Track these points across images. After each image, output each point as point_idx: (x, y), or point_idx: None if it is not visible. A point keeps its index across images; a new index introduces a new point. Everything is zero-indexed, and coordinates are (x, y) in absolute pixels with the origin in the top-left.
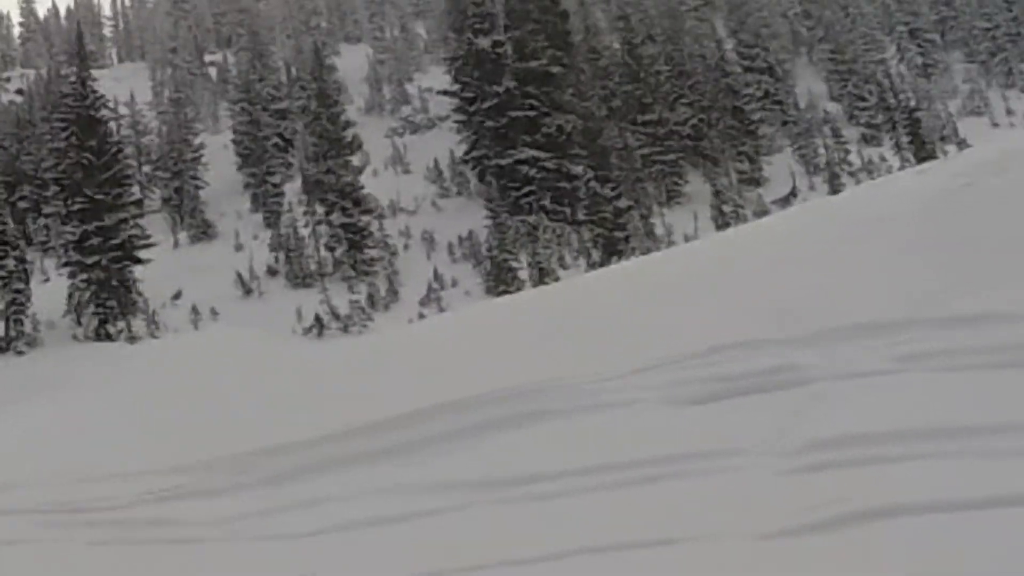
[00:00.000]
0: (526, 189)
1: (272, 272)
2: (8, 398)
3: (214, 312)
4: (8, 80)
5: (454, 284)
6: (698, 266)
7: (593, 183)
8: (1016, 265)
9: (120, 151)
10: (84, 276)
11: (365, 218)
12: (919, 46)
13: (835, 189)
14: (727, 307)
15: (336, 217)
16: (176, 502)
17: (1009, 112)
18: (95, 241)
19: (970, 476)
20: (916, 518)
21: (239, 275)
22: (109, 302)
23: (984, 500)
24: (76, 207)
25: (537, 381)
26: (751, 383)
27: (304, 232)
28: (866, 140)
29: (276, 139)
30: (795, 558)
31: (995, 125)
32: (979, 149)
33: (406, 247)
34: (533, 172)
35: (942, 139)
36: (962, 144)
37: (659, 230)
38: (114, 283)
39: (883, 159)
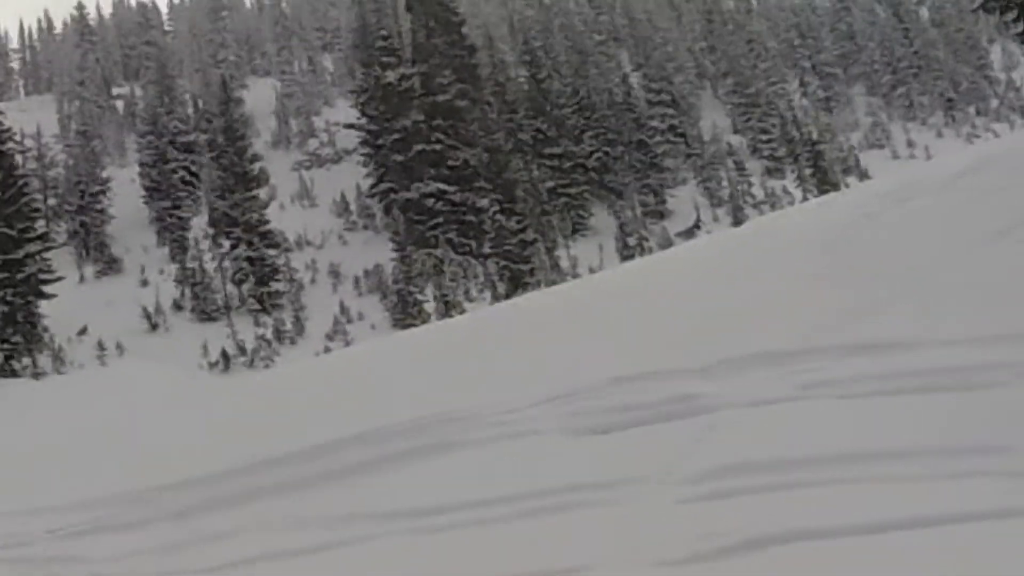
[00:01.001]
0: (432, 222)
1: (178, 307)
2: None
3: (120, 347)
4: None
5: (360, 317)
6: (602, 298)
7: (499, 216)
8: (915, 293)
9: (26, 184)
10: None
11: (271, 252)
12: (821, 79)
13: (738, 221)
14: (630, 338)
15: (242, 251)
16: (81, 538)
17: (910, 144)
18: (0, 275)
19: (869, 502)
20: (815, 543)
21: (145, 310)
22: (14, 337)
23: (883, 524)
24: None
25: (441, 413)
26: (652, 413)
27: (210, 266)
28: (769, 172)
29: (183, 173)
30: None
31: (896, 157)
32: (880, 180)
33: (312, 281)
34: (439, 205)
35: (844, 171)
36: (864, 176)
37: (564, 262)
38: (19, 318)
39: (786, 191)
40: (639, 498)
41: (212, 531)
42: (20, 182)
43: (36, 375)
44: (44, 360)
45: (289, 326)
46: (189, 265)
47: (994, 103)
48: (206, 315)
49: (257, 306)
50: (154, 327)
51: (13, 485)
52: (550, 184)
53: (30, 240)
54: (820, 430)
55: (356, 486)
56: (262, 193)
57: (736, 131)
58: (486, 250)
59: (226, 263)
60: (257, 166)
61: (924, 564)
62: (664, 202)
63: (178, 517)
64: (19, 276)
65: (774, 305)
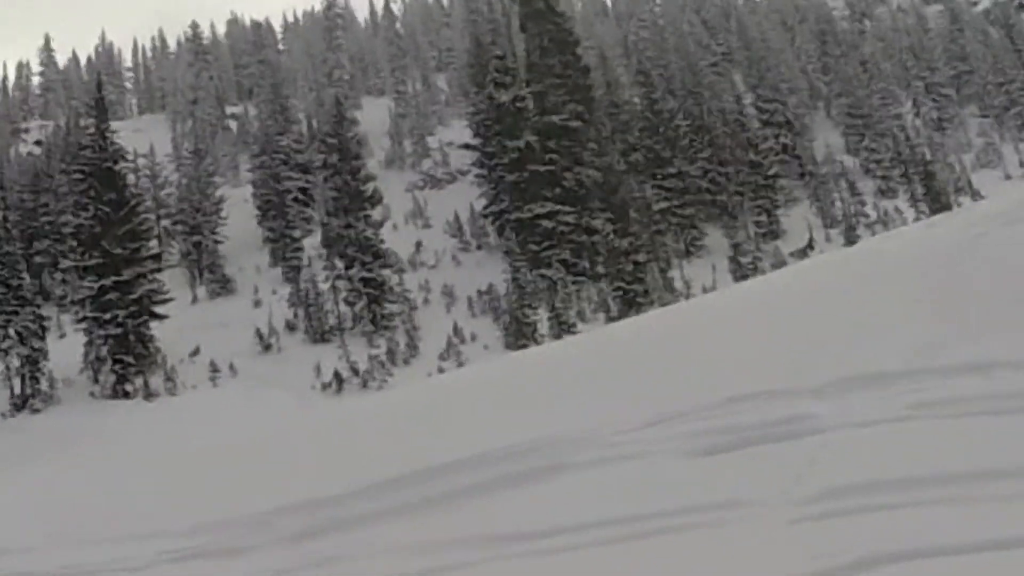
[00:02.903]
0: (545, 243)
1: (291, 327)
2: (23, 457)
3: (232, 368)
4: (27, 131)
5: (473, 338)
6: (715, 318)
7: (612, 237)
8: (1021, 314)
9: (138, 204)
10: (101, 332)
11: (385, 272)
12: (934, 100)
13: (851, 241)
14: (741, 358)
15: (356, 271)
16: (193, 562)
17: (1022, 164)
18: (112, 296)
19: (979, 521)
20: (927, 562)
21: (258, 331)
22: (127, 358)
23: (992, 543)
24: (93, 261)
25: (555, 434)
26: (765, 433)
27: (323, 287)
28: (882, 193)
29: (296, 193)
30: None
31: (1008, 177)
32: (992, 201)
33: (426, 301)
34: (552, 226)
35: (956, 191)
36: (976, 196)
37: (678, 283)
38: (131, 339)
39: (898, 211)
40: (751, 520)
41: (325, 555)
42: (133, 202)
43: (148, 396)
44: (156, 381)
45: (402, 347)
46: (302, 285)
47: None
48: (319, 336)
49: (370, 327)
50: (267, 348)
51: (124, 508)
52: (663, 204)
53: (143, 260)
54: (930, 450)
55: (469, 509)
56: (376, 213)
57: (849, 151)
58: (599, 271)
59: (339, 283)
60: (371, 186)
61: None
62: (777, 222)
63: (290, 541)
64: (131, 297)
65: (884, 325)
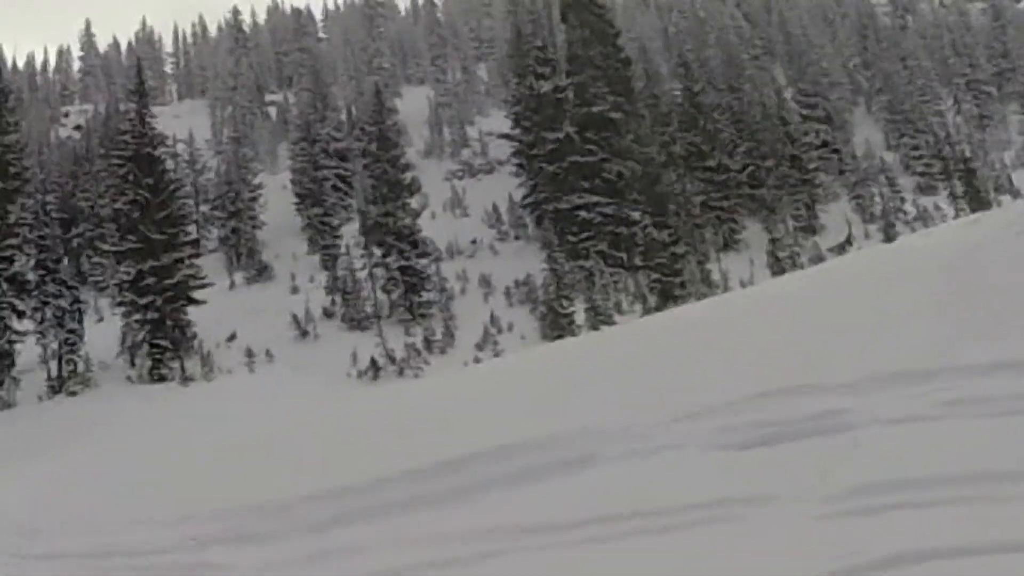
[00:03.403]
0: (584, 234)
1: (328, 314)
2: (59, 440)
3: (269, 354)
4: (67, 115)
5: (510, 328)
6: (748, 312)
7: (650, 229)
8: None
9: (177, 190)
10: (138, 316)
11: (422, 261)
12: (975, 97)
13: (890, 237)
14: (773, 353)
15: (393, 260)
16: (219, 547)
17: None
18: (150, 281)
19: (1010, 520)
20: (955, 561)
21: (295, 317)
22: (163, 343)
23: (1022, 543)
24: (132, 246)
25: (584, 427)
26: (796, 429)
27: (361, 274)
28: (921, 189)
29: (335, 180)
30: None
31: None
32: None
33: (463, 291)
34: (591, 217)
35: (996, 190)
36: (1016, 194)
37: (715, 276)
38: (168, 324)
39: (938, 208)
40: (778, 515)
41: (348, 544)
42: (172, 187)
43: (184, 381)
44: (192, 366)
45: (439, 335)
46: (340, 273)
47: None
48: (356, 323)
49: (407, 315)
50: (303, 335)
51: (154, 492)
52: (702, 198)
53: (181, 246)
54: (962, 448)
55: (495, 500)
56: (414, 202)
57: (889, 147)
58: (637, 263)
59: (377, 271)
60: (409, 175)
61: None
62: (816, 217)
63: (314, 529)
64: (169, 282)
65: (916, 322)
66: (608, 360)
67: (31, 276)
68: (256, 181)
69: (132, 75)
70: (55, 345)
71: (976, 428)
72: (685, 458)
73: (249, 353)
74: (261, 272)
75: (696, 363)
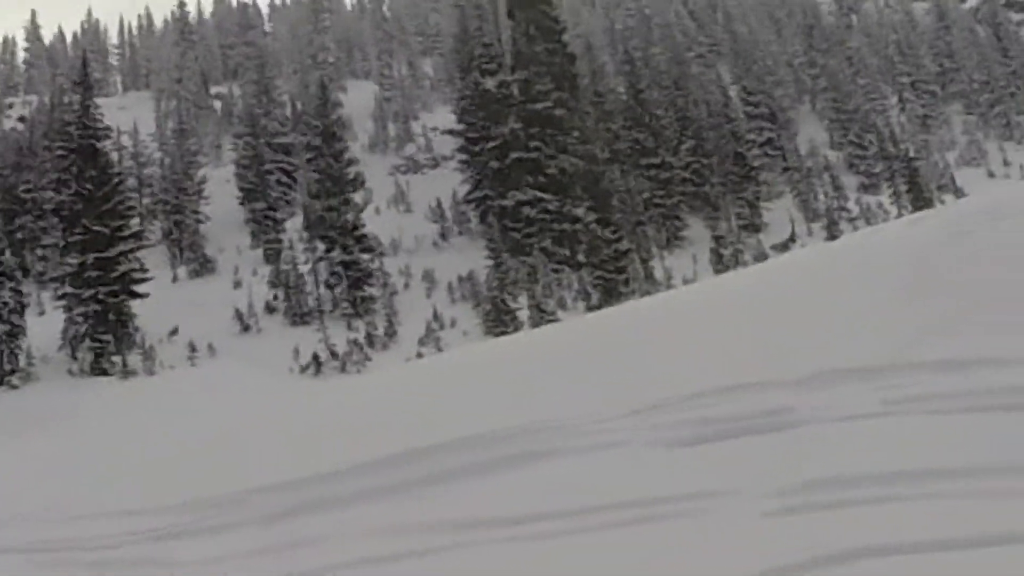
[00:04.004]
0: (527, 230)
1: (271, 309)
2: (1, 433)
3: (211, 348)
4: (11, 106)
5: (453, 324)
6: (695, 309)
7: (594, 226)
8: (1005, 311)
9: (121, 182)
10: (81, 309)
11: (366, 256)
12: (920, 97)
13: (833, 235)
14: (722, 350)
15: (337, 254)
16: (167, 541)
17: (1006, 163)
18: (93, 274)
19: (956, 518)
20: (902, 558)
21: (237, 311)
22: (105, 336)
23: (969, 540)
24: (75, 238)
25: (531, 422)
26: (743, 425)
27: (304, 269)
28: (865, 188)
29: (279, 174)
30: None
31: (991, 175)
32: (975, 199)
33: (406, 286)
34: (535, 213)
35: (939, 188)
36: (959, 194)
37: (659, 273)
38: (111, 317)
39: (881, 207)
40: (726, 511)
41: (299, 536)
42: (115, 180)
43: (126, 375)
44: (134, 360)
45: (381, 331)
46: (283, 267)
47: None
48: (298, 318)
49: (350, 310)
50: (246, 329)
51: (100, 487)
52: (646, 195)
53: (124, 239)
54: (908, 446)
55: (446, 494)
56: (358, 197)
57: (833, 146)
58: (581, 259)
59: (320, 266)
60: (354, 169)
61: None
62: (760, 215)
63: (266, 521)
64: (112, 275)
65: (864, 320)
66: (556, 356)
67: None
68: (200, 174)
69: (77, 66)
70: None
71: (922, 426)
72: (634, 454)
73: (191, 347)
74: (204, 266)
75: (644, 360)
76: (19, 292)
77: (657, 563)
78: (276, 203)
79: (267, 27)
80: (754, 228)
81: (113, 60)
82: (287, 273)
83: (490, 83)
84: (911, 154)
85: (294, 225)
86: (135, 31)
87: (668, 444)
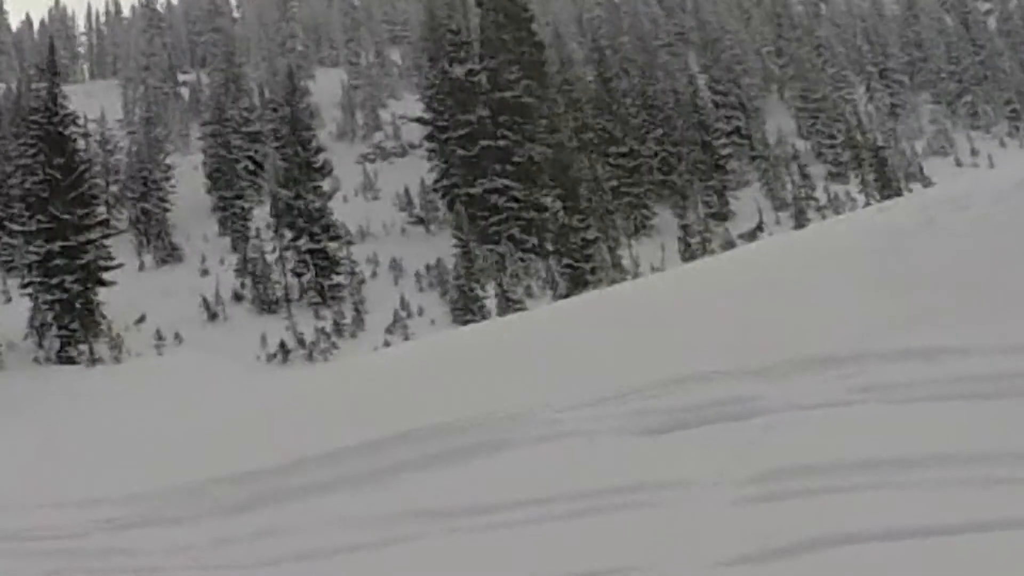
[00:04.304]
0: (495, 219)
1: (238, 297)
2: None
3: (178, 337)
4: None
5: (420, 312)
6: (661, 298)
7: (562, 214)
8: (970, 300)
9: (88, 170)
10: (47, 297)
11: (333, 244)
12: (888, 86)
13: (801, 224)
14: (687, 339)
15: (304, 243)
16: (132, 531)
17: (974, 152)
18: (59, 261)
19: (922, 505)
20: (868, 546)
21: (204, 299)
22: (72, 324)
23: (933, 528)
24: (41, 226)
25: (494, 411)
26: (708, 414)
27: (271, 257)
28: (833, 177)
29: (247, 162)
30: None
31: (959, 165)
32: (942, 188)
33: (374, 274)
34: (503, 202)
35: (908, 177)
36: (927, 183)
37: (626, 262)
38: (77, 305)
39: (849, 196)
40: (692, 499)
41: (264, 526)
42: (82, 167)
43: (93, 363)
44: (101, 348)
45: (349, 319)
46: (250, 255)
47: None
48: (266, 306)
49: (317, 298)
50: (213, 317)
51: (67, 475)
52: (614, 183)
53: (90, 227)
54: (873, 434)
55: (406, 484)
56: (325, 185)
57: (801, 135)
58: (548, 248)
59: (287, 254)
60: (321, 157)
61: (976, 568)
62: (727, 204)
63: (230, 511)
64: (78, 263)
65: (830, 309)
66: (521, 345)
67: None
68: (167, 162)
69: (44, 53)
70: None
71: (887, 414)
72: (599, 443)
73: (159, 335)
74: (171, 254)
75: (610, 349)
76: None
77: (624, 551)
78: (244, 191)
79: (235, 14)
80: (722, 217)
81: (80, 48)
82: (255, 261)
83: (458, 71)
84: (879, 143)
85: (262, 213)
86: (103, 18)
87: (632, 433)
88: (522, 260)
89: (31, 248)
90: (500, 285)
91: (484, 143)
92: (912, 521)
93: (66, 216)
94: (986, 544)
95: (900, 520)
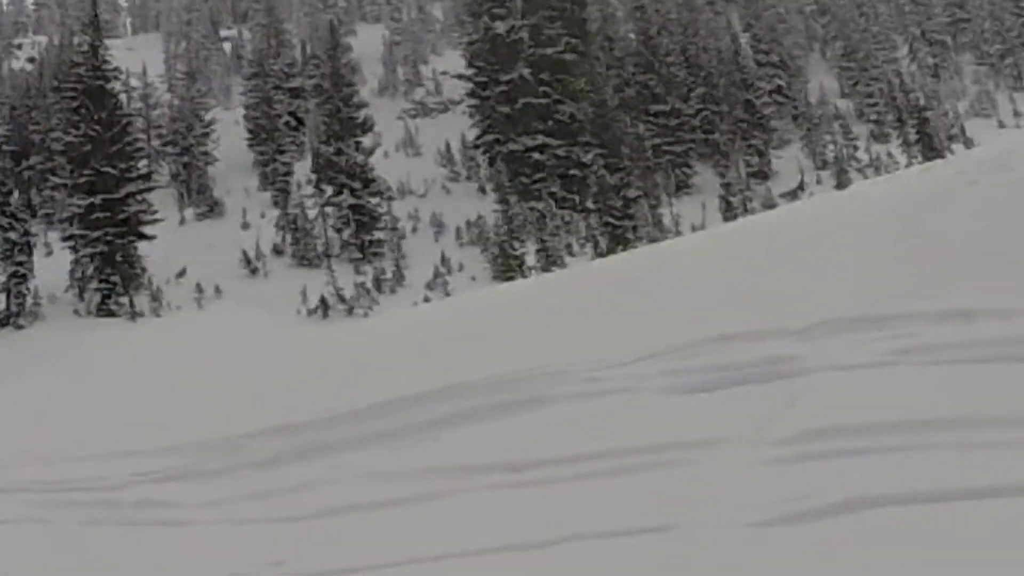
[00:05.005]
0: (536, 175)
1: (278, 252)
2: (7, 373)
3: (218, 290)
4: (19, 47)
5: (461, 268)
6: (702, 257)
7: (603, 172)
8: (1012, 263)
9: (130, 124)
10: (88, 250)
11: (374, 200)
12: (930, 46)
13: (842, 184)
14: (726, 298)
15: (345, 198)
16: (168, 483)
17: (1017, 114)
18: (101, 215)
19: (959, 467)
20: (905, 508)
21: (245, 254)
22: (113, 277)
23: (974, 491)
24: (83, 179)
25: (536, 367)
26: (748, 373)
27: (312, 212)
28: (874, 137)
29: (288, 117)
30: (788, 545)
31: (1002, 126)
32: (984, 148)
33: (414, 230)
34: (543, 159)
35: (949, 138)
36: (969, 143)
37: (667, 220)
38: (118, 258)
39: (891, 156)
40: (729, 459)
41: (299, 480)
42: (124, 121)
43: (133, 316)
44: (142, 301)
45: (389, 275)
46: (291, 210)
47: None
48: (306, 261)
49: (358, 254)
50: (253, 272)
51: (104, 427)
52: (655, 141)
53: (132, 180)
54: (911, 395)
55: (446, 439)
56: (367, 140)
57: (843, 95)
58: (589, 205)
59: (328, 209)
60: (363, 113)
61: (1012, 532)
62: (769, 163)
63: (265, 465)
64: (120, 216)
65: (870, 270)
66: (561, 302)
67: None
68: (209, 117)
69: (86, 8)
70: (3, 278)
71: (926, 375)
72: (636, 401)
73: (199, 289)
74: (212, 208)
75: (649, 307)
76: (27, 232)
77: (660, 510)
78: (285, 146)
79: None
80: (763, 176)
81: (122, 1)
82: (295, 216)
83: (500, 27)
84: (921, 103)
85: (302, 168)
86: None
87: (670, 392)
88: (562, 217)
89: (73, 201)
90: (541, 242)
91: (525, 100)
92: (949, 483)
93: (108, 170)
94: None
95: (937, 482)
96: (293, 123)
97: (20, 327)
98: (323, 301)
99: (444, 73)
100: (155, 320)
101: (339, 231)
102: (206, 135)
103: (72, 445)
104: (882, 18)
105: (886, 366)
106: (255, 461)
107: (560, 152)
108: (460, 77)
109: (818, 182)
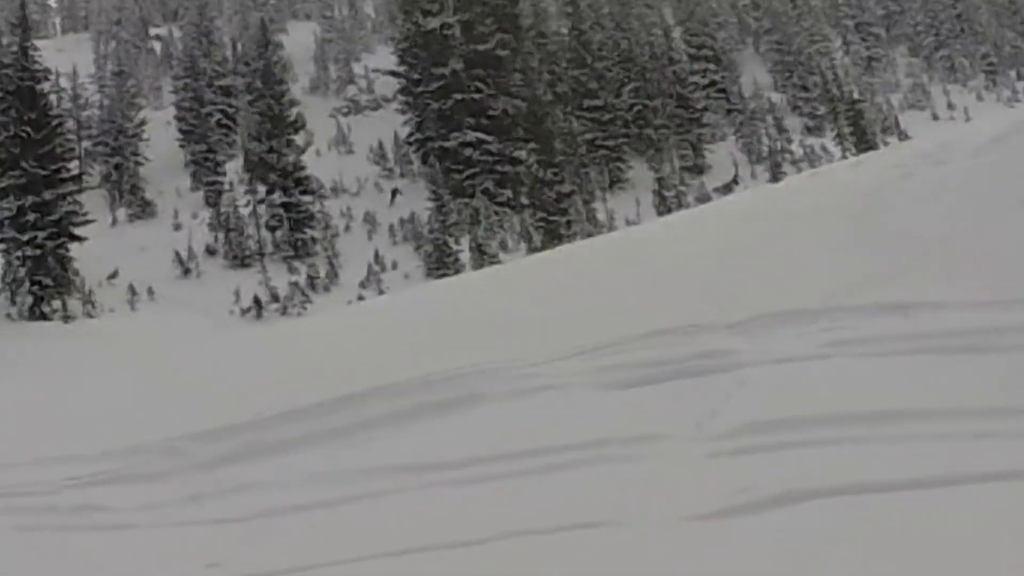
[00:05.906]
0: (469, 172)
1: (211, 252)
2: None
3: (151, 292)
4: None
5: (395, 266)
6: (635, 252)
7: (536, 167)
8: (946, 256)
9: (60, 125)
10: (19, 253)
11: (307, 199)
12: (864, 40)
13: (776, 178)
14: (662, 293)
15: (278, 197)
16: (104, 487)
17: (950, 106)
18: (31, 217)
19: (897, 460)
20: (844, 499)
21: (177, 254)
22: (44, 280)
23: (909, 483)
24: (12, 182)
25: (468, 365)
26: (682, 368)
27: (244, 212)
28: (809, 130)
29: (219, 116)
30: (724, 540)
31: (936, 118)
32: (918, 141)
33: (347, 228)
34: (477, 155)
35: (883, 131)
36: (903, 136)
37: (601, 215)
38: (50, 261)
39: (825, 149)
40: (668, 453)
41: (236, 482)
42: (54, 122)
43: (66, 319)
44: (74, 304)
45: (323, 274)
46: (223, 210)
47: None
48: (239, 261)
49: (291, 253)
50: (186, 272)
51: (38, 432)
52: (589, 136)
53: (62, 182)
54: (847, 388)
55: (384, 438)
56: (299, 139)
57: (777, 88)
58: (523, 201)
59: (261, 209)
60: (295, 111)
61: (951, 522)
62: (703, 157)
63: (202, 468)
64: (50, 218)
65: (805, 263)
66: (495, 299)
67: None
68: (139, 117)
69: (15, 7)
70: None
71: (862, 368)
72: (571, 397)
73: (132, 291)
74: (144, 209)
75: (584, 302)
76: None
77: (599, 505)
78: (216, 145)
79: None
80: (697, 170)
81: (51, 1)
82: (228, 216)
83: (432, 23)
84: (855, 96)
85: (235, 167)
86: None
87: (606, 387)
88: (496, 214)
89: (3, 204)
90: (474, 239)
91: (458, 96)
92: (887, 475)
93: (38, 171)
94: (960, 498)
95: (875, 474)
96: (224, 122)
97: None
98: (257, 301)
99: (376, 70)
100: (88, 323)
101: (272, 230)
102: (137, 135)
103: (5, 450)
104: (815, 11)
105: (823, 359)
106: (192, 464)
107: (493, 148)
108: (392, 74)
109: (753, 176)
